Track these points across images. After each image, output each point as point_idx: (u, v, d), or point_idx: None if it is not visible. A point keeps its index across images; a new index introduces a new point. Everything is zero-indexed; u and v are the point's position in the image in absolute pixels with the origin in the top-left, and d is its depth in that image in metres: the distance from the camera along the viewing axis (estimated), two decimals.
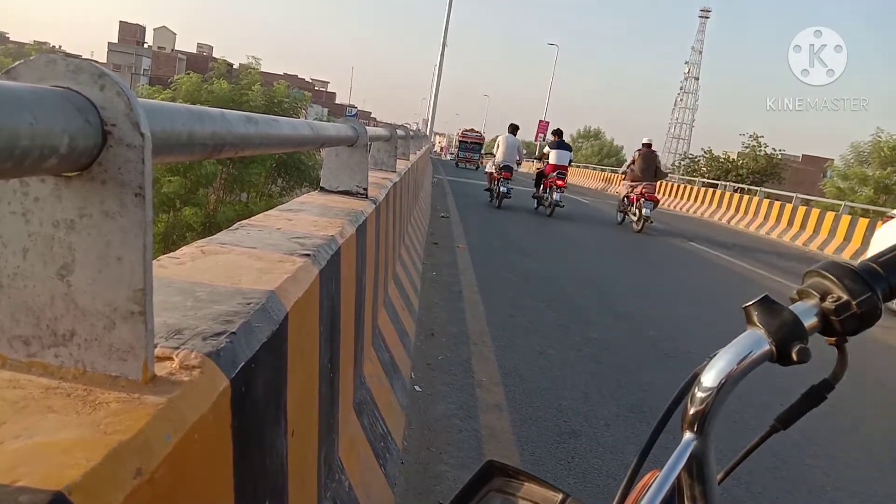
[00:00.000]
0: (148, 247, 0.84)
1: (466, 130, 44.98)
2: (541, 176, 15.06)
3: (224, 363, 0.96)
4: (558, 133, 15.40)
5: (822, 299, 0.71)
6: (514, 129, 15.55)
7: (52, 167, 0.75)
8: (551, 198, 14.24)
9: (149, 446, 0.72)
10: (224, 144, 1.32)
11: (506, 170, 14.76)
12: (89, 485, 0.61)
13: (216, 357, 0.95)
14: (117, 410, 0.76)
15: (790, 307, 0.72)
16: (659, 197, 14.47)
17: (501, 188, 14.77)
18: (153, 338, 0.85)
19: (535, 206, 15.50)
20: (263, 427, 1.14)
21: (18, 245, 0.83)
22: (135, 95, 0.83)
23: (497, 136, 16.49)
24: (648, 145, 14.25)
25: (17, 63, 0.81)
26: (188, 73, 21.23)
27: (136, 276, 0.82)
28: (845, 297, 0.70)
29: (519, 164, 15.45)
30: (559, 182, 14.05)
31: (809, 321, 0.70)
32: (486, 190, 15.94)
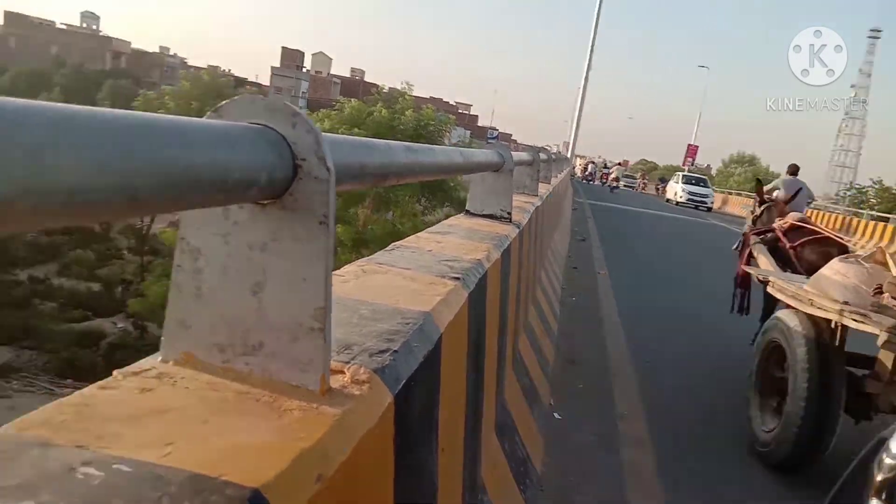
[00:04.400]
0: (329, 270, 0.92)
1: (586, 160, 54.70)
2: None
3: (388, 380, 1.02)
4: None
5: None
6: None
7: (252, 196, 0.85)
8: None
9: (327, 455, 0.78)
10: (388, 174, 1.40)
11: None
12: (280, 485, 0.68)
13: (382, 373, 1.01)
14: (300, 419, 0.83)
15: None
16: None
17: None
18: (330, 353, 0.93)
19: None
20: (418, 443, 1.19)
21: (218, 263, 0.93)
22: (321, 132, 0.92)
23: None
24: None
25: (223, 102, 0.92)
26: (348, 99, 22.52)
27: (318, 295, 0.90)
28: None
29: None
30: None
31: None
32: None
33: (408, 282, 1.69)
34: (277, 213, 0.91)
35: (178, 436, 0.75)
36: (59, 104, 0.55)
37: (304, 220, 0.90)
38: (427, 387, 1.25)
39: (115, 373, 0.90)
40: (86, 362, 18.40)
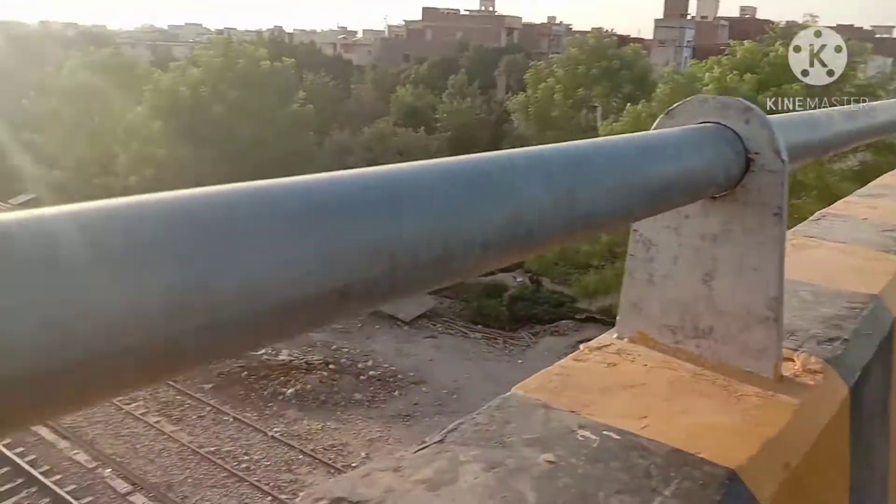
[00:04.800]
0: (782, 260, 0.92)
1: None
2: None
3: (842, 370, 0.99)
4: None
5: None
6: None
7: (708, 193, 0.90)
8: None
9: (791, 444, 0.81)
10: (829, 147, 1.32)
11: None
12: (753, 469, 0.74)
13: (835, 363, 0.99)
14: (758, 404, 0.87)
15: None
16: None
17: None
18: (782, 341, 0.94)
19: None
20: (873, 436, 1.13)
21: (670, 253, 1.01)
22: (774, 125, 0.92)
23: None
24: None
25: (675, 105, 0.99)
26: (740, 42, 20.76)
27: (771, 285, 0.92)
28: None
29: None
30: None
31: None
32: None
33: (845, 257, 1.56)
34: (728, 206, 0.95)
35: (648, 410, 0.86)
36: (573, 144, 0.68)
37: (756, 212, 0.92)
38: (881, 376, 1.16)
39: (581, 346, 1.06)
40: (492, 311, 20.90)
